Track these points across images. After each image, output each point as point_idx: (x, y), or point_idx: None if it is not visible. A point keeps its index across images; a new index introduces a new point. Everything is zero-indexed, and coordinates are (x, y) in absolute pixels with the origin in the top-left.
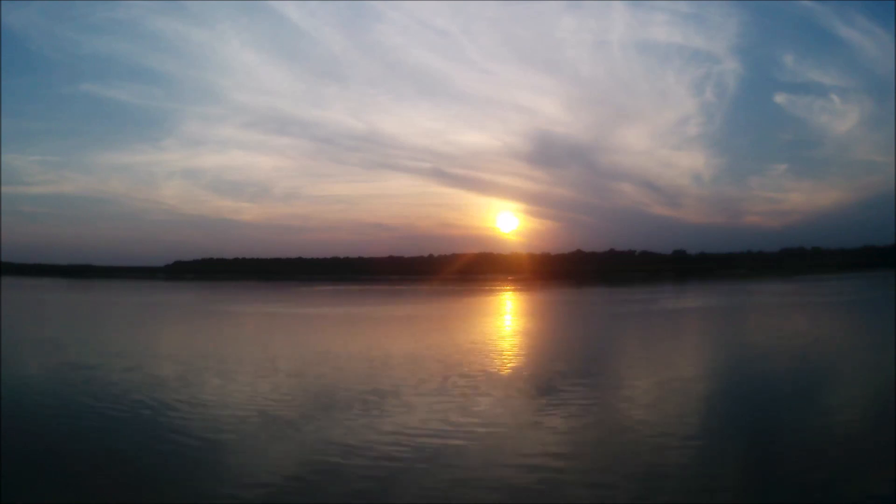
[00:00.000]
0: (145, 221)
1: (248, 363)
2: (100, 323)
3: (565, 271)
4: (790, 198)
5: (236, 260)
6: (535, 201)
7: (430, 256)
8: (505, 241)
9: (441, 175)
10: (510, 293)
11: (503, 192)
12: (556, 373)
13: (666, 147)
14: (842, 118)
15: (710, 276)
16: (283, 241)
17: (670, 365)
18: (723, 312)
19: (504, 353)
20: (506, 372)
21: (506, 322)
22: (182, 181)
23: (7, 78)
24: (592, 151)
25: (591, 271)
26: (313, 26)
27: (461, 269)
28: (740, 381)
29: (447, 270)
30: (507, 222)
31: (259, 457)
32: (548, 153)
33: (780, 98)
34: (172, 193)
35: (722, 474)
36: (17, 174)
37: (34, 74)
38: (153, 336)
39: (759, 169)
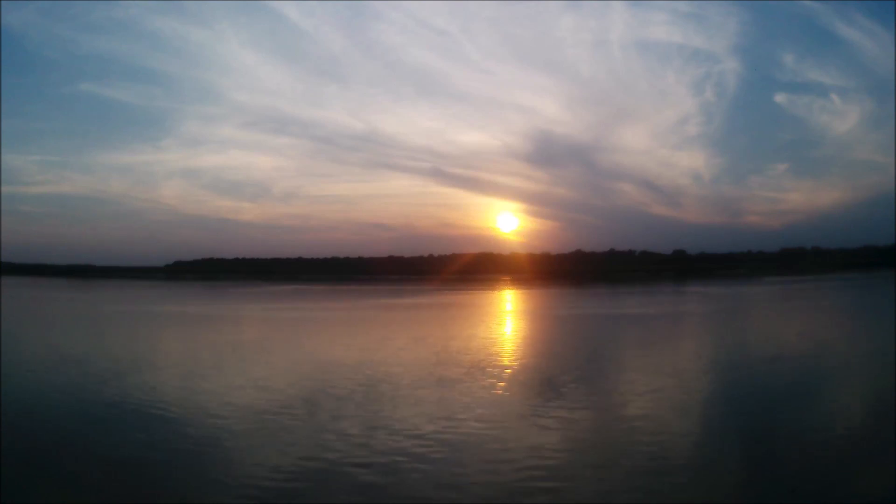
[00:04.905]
0: (145, 221)
1: (241, 363)
2: (97, 323)
3: (565, 271)
4: (790, 198)
5: (236, 260)
6: (535, 201)
7: (430, 256)
8: (505, 240)
9: (441, 175)
10: (491, 294)
11: (503, 192)
12: (547, 374)
13: (666, 147)
14: (842, 118)
15: (710, 276)
16: (283, 241)
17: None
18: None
19: (471, 356)
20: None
21: (471, 326)
22: (182, 181)
23: (7, 78)
24: (592, 151)
25: (591, 271)
26: (313, 26)
27: (461, 269)
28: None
29: (447, 270)
30: (506, 222)
31: (259, 457)
32: (548, 153)
33: (780, 98)
34: (172, 193)
35: (722, 474)
36: (17, 174)
37: (34, 74)
38: (152, 338)
39: (759, 169)
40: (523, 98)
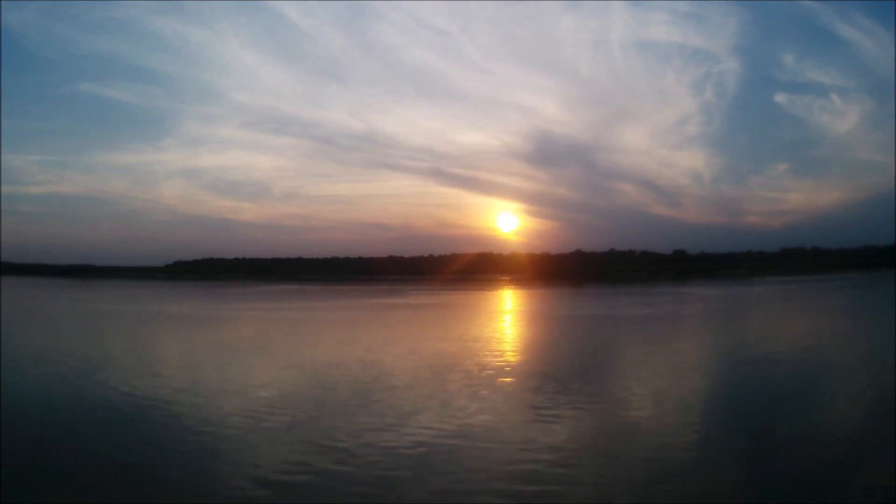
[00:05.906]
0: (145, 221)
1: (239, 363)
2: (97, 323)
3: (565, 271)
4: (790, 198)
5: (236, 260)
6: (535, 201)
7: (430, 256)
8: (505, 240)
9: (440, 175)
10: (490, 294)
11: (503, 192)
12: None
13: (666, 147)
14: (842, 118)
15: (710, 276)
16: (283, 241)
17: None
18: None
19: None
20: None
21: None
22: (182, 181)
23: (7, 78)
24: (592, 151)
25: (591, 271)
26: (312, 26)
27: (461, 269)
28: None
29: (447, 270)
30: (506, 222)
31: (259, 457)
32: (548, 153)
33: (780, 98)
34: (172, 193)
35: (722, 474)
36: (17, 174)
37: (34, 74)
38: (153, 337)
39: (759, 169)
40: (523, 98)
